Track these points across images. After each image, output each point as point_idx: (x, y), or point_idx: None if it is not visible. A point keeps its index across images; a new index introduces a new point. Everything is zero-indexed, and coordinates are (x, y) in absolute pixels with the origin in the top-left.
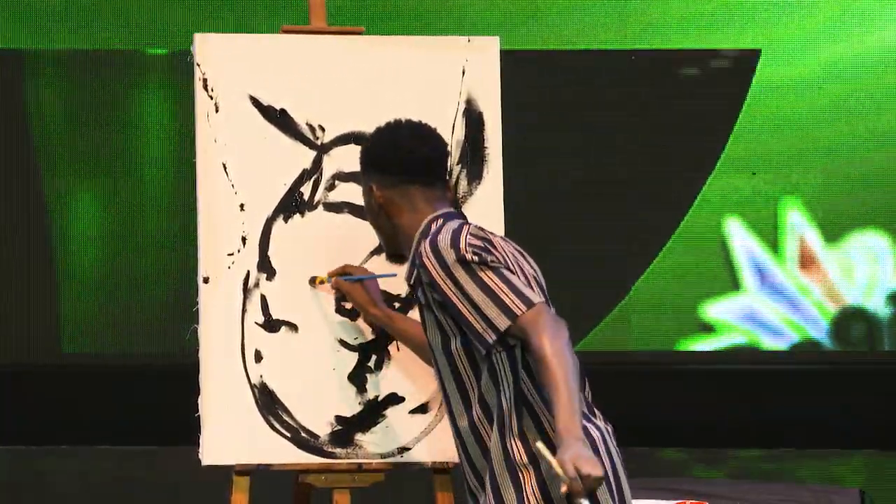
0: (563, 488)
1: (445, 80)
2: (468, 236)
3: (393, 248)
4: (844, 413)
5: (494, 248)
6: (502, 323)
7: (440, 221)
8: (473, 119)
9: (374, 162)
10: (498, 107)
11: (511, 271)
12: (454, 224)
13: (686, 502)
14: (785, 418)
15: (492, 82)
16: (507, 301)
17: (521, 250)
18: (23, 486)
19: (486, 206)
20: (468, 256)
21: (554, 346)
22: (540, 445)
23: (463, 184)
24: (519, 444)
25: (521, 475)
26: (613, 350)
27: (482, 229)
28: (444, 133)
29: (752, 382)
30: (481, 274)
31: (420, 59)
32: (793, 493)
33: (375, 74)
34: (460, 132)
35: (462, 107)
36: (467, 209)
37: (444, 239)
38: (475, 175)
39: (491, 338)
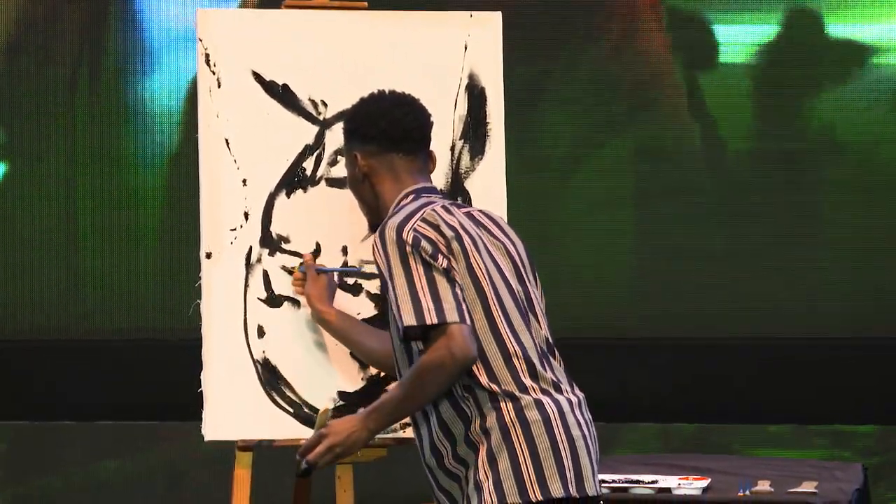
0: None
1: (448, 55)
2: (419, 222)
3: (376, 218)
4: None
5: (441, 241)
6: (409, 320)
7: (410, 198)
8: (475, 95)
9: (356, 130)
10: (500, 82)
11: (449, 277)
12: (417, 204)
13: (689, 478)
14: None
15: (494, 58)
16: (423, 305)
17: (500, 229)
18: (24, 462)
19: (487, 181)
20: (406, 248)
21: (427, 371)
22: (325, 409)
23: (465, 159)
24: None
25: (480, 446)
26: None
27: (445, 212)
28: (447, 109)
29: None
30: (412, 265)
31: (422, 35)
32: (795, 468)
33: (378, 49)
34: (462, 108)
35: (464, 82)
36: (469, 185)
37: (395, 220)
38: (477, 151)
39: (399, 330)
